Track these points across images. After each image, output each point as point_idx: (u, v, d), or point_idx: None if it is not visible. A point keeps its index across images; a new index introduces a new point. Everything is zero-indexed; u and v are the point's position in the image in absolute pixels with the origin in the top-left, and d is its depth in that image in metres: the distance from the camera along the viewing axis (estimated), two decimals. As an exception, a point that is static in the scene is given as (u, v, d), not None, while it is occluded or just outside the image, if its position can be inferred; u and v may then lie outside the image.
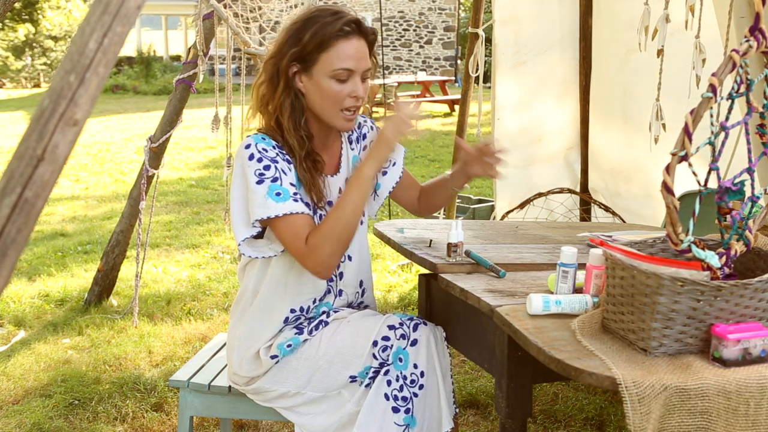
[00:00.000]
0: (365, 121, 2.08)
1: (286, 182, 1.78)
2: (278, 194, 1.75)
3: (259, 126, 1.91)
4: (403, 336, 1.85)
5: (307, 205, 1.85)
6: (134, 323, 3.72)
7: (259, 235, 1.86)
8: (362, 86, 1.84)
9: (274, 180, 1.77)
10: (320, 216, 1.89)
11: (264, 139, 1.83)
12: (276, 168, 1.78)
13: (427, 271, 2.12)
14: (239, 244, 1.82)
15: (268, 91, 1.85)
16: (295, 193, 1.78)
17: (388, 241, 2.32)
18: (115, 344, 3.49)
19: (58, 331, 3.69)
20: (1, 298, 3.97)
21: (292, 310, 1.92)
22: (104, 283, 4.07)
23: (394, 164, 2.10)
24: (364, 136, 2.06)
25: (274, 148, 1.82)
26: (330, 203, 1.92)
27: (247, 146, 1.81)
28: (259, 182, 1.76)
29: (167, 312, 3.97)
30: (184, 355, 3.35)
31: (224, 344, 2.39)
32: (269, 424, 2.74)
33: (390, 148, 1.83)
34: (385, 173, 2.09)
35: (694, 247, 1.41)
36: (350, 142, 2.03)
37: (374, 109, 13.98)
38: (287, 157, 1.84)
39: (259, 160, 1.78)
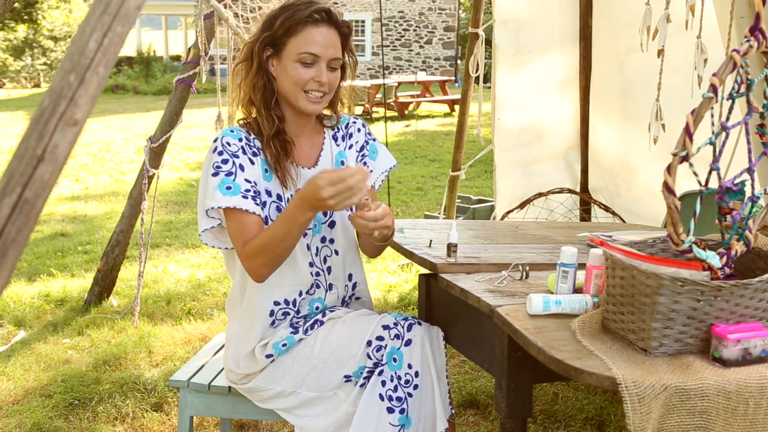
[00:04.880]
0: (354, 122, 2.09)
1: (241, 178, 1.83)
2: (228, 188, 1.81)
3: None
4: (397, 336, 1.85)
5: (269, 193, 1.87)
6: (135, 323, 3.72)
7: None
8: (329, 74, 1.88)
9: (228, 174, 1.82)
10: (287, 199, 1.89)
11: (233, 131, 1.89)
12: (234, 163, 1.84)
13: (427, 271, 2.12)
14: (200, 235, 1.89)
15: (242, 73, 1.93)
16: (247, 190, 1.82)
17: (388, 241, 2.32)
18: (115, 344, 3.49)
19: (58, 331, 3.69)
20: (1, 298, 3.97)
21: (276, 303, 1.92)
22: (104, 283, 4.07)
23: (371, 171, 2.04)
24: (350, 135, 2.07)
25: (240, 140, 1.87)
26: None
27: (215, 140, 1.88)
28: (215, 174, 1.82)
29: (167, 312, 3.97)
30: (184, 355, 3.35)
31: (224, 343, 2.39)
32: (269, 424, 2.74)
33: (320, 206, 1.70)
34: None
35: (695, 248, 1.41)
36: (335, 139, 2.04)
37: (374, 109, 13.99)
38: (255, 148, 1.89)
39: (220, 153, 1.84)
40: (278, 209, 1.88)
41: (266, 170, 1.89)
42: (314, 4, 1.86)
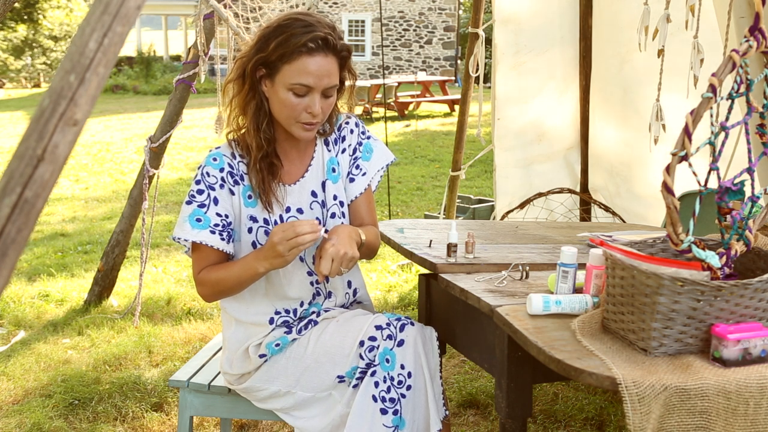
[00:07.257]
0: (347, 123, 2.00)
1: (213, 212, 1.84)
2: (198, 220, 1.84)
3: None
4: (389, 336, 1.83)
5: (254, 219, 1.87)
6: (135, 323, 3.72)
7: None
8: (322, 102, 1.81)
9: (201, 206, 1.84)
10: (274, 222, 1.88)
11: (216, 159, 1.88)
12: (209, 195, 1.85)
13: (427, 271, 2.12)
14: (185, 252, 1.92)
15: (234, 90, 1.87)
16: (216, 225, 1.84)
17: (388, 241, 2.32)
18: (115, 344, 3.49)
19: (58, 331, 3.69)
20: (1, 298, 3.97)
21: (277, 312, 1.93)
22: (104, 283, 4.07)
23: (364, 174, 2.01)
24: (343, 138, 1.99)
25: (222, 170, 1.87)
26: (288, 209, 1.91)
27: (200, 166, 1.89)
28: (188, 203, 1.86)
29: (167, 312, 3.97)
30: (184, 355, 3.35)
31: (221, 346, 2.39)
32: (269, 424, 2.74)
33: (283, 261, 1.77)
34: (352, 180, 2.00)
35: (694, 247, 1.41)
36: (326, 144, 1.98)
37: (374, 109, 13.99)
38: (238, 176, 1.87)
39: (198, 182, 1.87)
40: (266, 233, 1.87)
41: (249, 196, 1.87)
42: (311, 31, 1.75)
